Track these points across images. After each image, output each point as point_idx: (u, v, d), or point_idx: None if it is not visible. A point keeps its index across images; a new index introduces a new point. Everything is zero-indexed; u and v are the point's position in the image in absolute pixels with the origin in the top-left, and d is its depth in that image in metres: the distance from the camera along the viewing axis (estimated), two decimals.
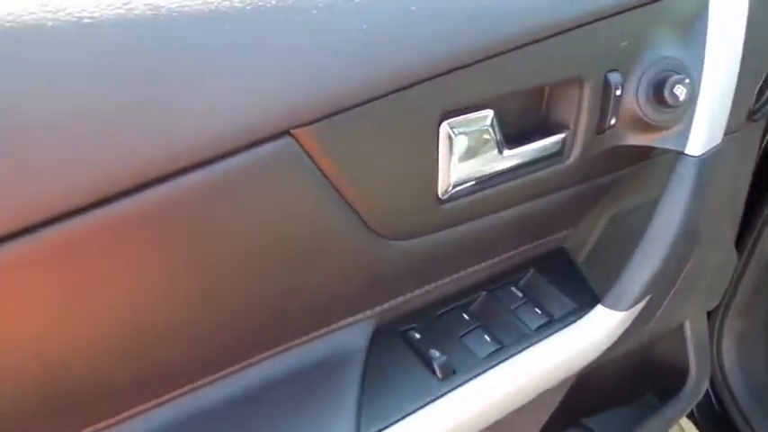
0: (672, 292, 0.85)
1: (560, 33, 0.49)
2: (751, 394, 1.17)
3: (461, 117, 0.47)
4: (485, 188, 0.51)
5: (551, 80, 0.51)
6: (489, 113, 0.49)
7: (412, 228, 0.49)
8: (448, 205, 0.50)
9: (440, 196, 0.49)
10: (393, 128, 0.44)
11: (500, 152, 0.51)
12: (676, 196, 0.57)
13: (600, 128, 0.56)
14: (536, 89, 0.53)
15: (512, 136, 0.53)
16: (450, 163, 0.48)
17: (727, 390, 1.19)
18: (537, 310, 0.61)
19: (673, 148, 0.57)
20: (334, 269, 0.47)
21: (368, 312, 0.54)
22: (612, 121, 0.56)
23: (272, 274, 0.44)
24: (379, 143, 0.43)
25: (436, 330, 0.57)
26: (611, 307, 0.60)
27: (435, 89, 0.44)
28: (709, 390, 1.21)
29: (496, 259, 0.61)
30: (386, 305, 0.55)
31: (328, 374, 0.52)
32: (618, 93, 0.54)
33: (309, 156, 0.40)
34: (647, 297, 0.61)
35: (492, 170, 0.51)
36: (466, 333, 0.58)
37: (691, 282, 0.87)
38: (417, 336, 0.56)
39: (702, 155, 0.56)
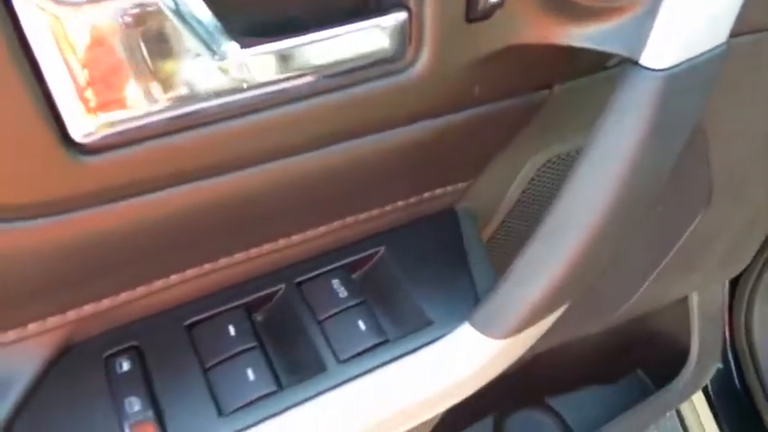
0: (658, 268, 0.59)
1: None
2: None
3: None
4: (199, 124, 0.26)
5: None
6: None
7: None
8: (99, 158, 0.25)
9: (74, 140, 0.24)
10: None
11: (214, 54, 0.25)
12: (616, 137, 0.29)
13: (471, 12, 0.28)
14: None
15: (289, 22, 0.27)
16: (85, 76, 0.23)
17: (753, 364, 0.94)
18: (361, 324, 0.36)
19: (616, 51, 0.29)
20: None
21: (30, 328, 0.31)
22: None
23: None
24: None
25: (167, 355, 0.34)
26: (483, 331, 0.35)
27: None
28: (731, 362, 0.97)
29: (309, 233, 0.36)
30: (69, 314, 0.31)
31: None
32: None
33: None
34: (562, 308, 0.35)
35: (200, 89, 0.25)
36: (225, 359, 0.34)
37: (694, 251, 0.60)
38: (126, 366, 0.33)
39: (674, 67, 0.28)
